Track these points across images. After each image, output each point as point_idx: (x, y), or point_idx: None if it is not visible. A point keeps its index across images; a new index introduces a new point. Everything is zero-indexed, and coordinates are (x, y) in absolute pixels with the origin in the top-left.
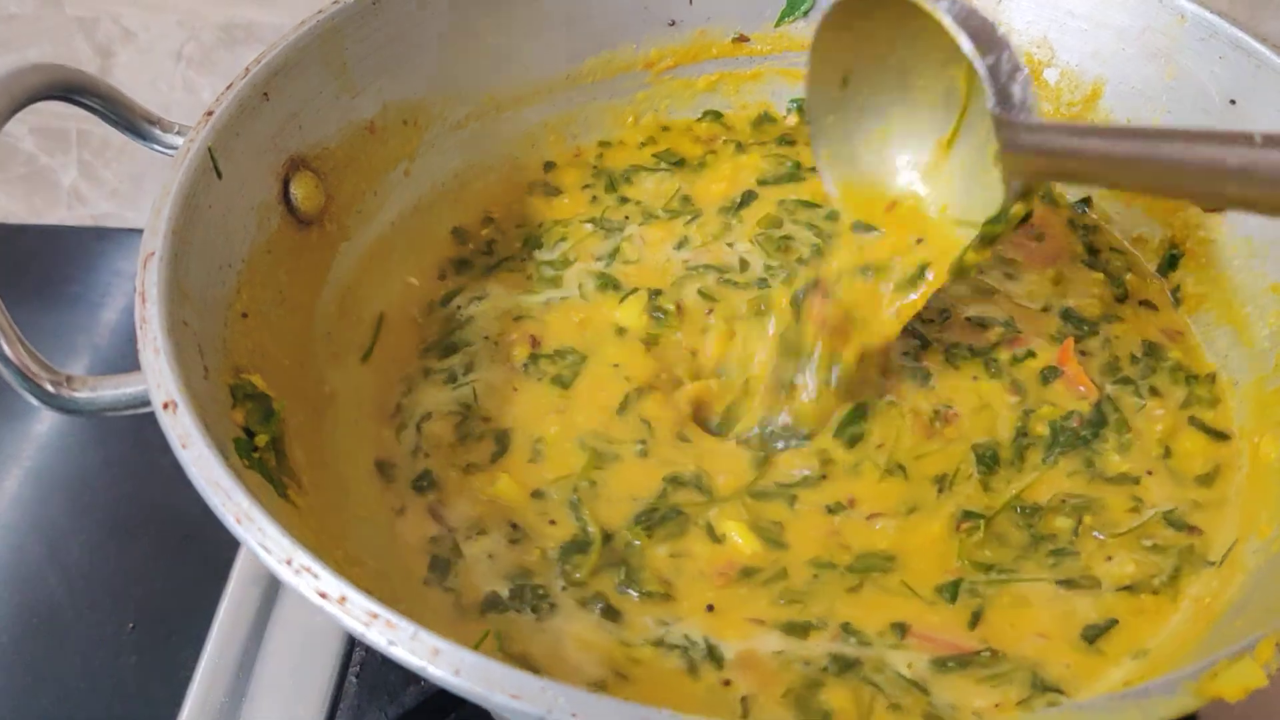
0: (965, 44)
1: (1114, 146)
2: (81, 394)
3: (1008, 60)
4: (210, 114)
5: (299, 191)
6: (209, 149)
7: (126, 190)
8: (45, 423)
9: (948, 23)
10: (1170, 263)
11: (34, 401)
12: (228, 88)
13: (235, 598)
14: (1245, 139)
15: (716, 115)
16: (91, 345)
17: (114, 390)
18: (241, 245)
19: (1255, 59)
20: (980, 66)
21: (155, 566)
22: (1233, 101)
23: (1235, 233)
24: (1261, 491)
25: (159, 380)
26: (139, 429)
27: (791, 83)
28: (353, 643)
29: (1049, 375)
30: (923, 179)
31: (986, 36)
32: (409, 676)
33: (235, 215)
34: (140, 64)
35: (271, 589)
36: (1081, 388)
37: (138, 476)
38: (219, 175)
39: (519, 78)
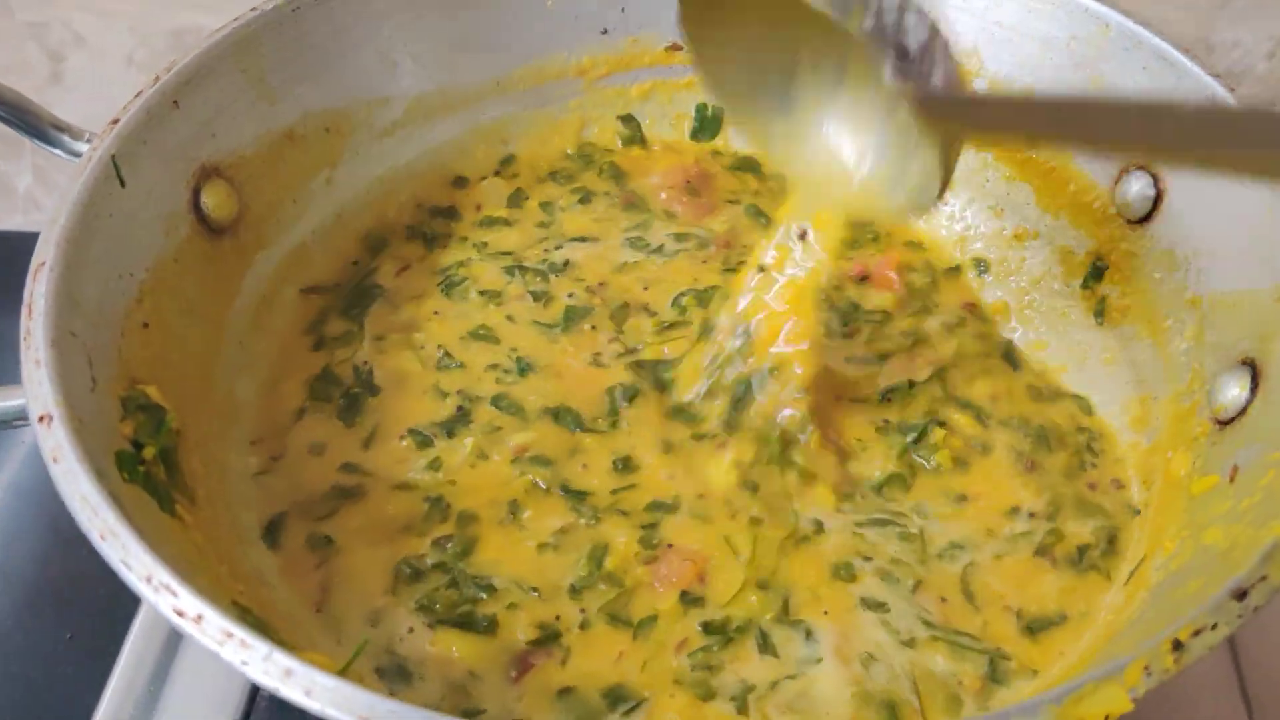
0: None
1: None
2: None
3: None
4: (116, 122)
5: (210, 200)
6: (112, 157)
7: None
8: None
9: None
10: (1095, 275)
11: None
12: (136, 95)
13: (150, 614)
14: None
15: (631, 120)
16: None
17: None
18: (145, 254)
19: (1177, 69)
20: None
21: (97, 576)
22: None
23: (1157, 245)
24: (1170, 508)
25: (37, 393)
26: None
27: None
28: None
29: None
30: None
31: None
32: None
33: (139, 224)
34: (91, 69)
35: None
36: None
37: None
38: (122, 184)
39: (446, 85)
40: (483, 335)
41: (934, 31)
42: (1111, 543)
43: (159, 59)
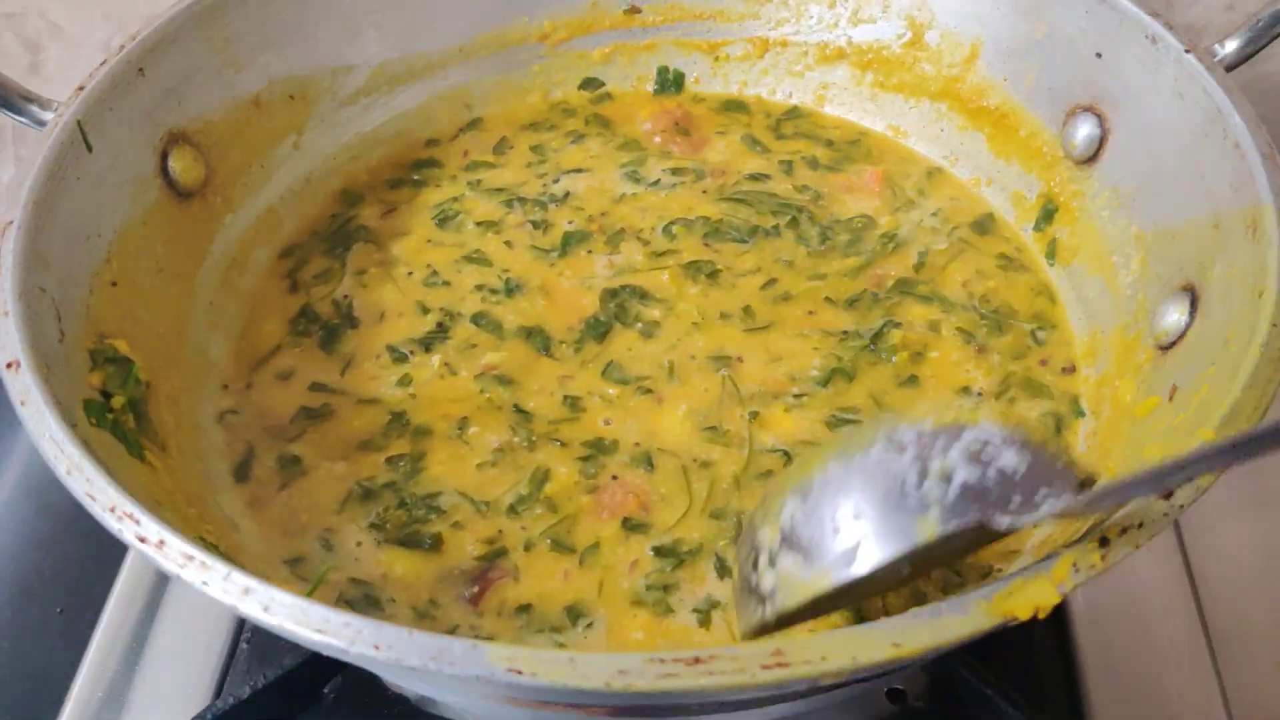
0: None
1: None
2: None
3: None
4: (81, 89)
5: (178, 165)
6: (78, 122)
7: None
8: None
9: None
10: (1046, 217)
11: None
12: (101, 63)
13: (132, 571)
14: None
15: (598, 84)
16: None
17: None
18: (113, 216)
19: (1118, 12)
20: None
21: (85, 552)
22: (1099, 55)
23: (1104, 184)
24: (1115, 433)
25: (4, 342)
26: None
27: (685, 52)
28: None
29: None
30: None
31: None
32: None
33: (107, 187)
34: (70, 58)
35: None
36: None
37: None
38: (89, 148)
39: (410, 52)
40: (476, 259)
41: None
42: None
43: None
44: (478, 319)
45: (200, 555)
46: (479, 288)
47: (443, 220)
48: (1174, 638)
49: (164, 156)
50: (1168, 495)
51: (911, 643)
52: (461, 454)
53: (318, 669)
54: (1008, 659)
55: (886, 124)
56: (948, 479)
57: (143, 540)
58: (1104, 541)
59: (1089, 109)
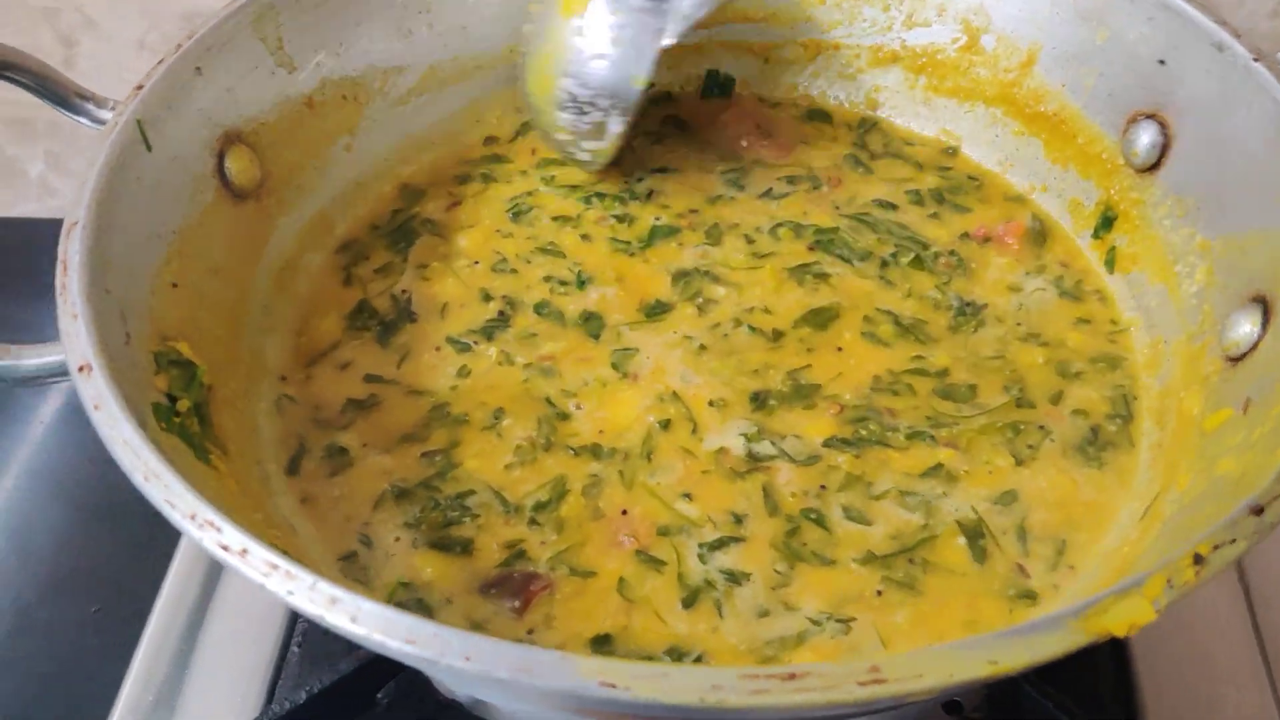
0: None
1: None
2: (4, 361)
3: None
4: (140, 87)
5: (234, 165)
6: (138, 121)
7: None
8: (21, 416)
9: None
10: (1105, 225)
11: None
12: (159, 62)
13: (180, 574)
14: None
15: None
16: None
17: (37, 359)
18: (172, 217)
19: (1183, 18)
20: None
21: (120, 551)
22: (1162, 62)
23: (1166, 192)
24: (1183, 444)
25: (74, 345)
26: None
27: (735, 55)
28: (295, 616)
29: None
30: None
31: None
32: (349, 646)
33: (166, 187)
34: (104, 53)
35: (215, 565)
36: None
37: (104, 462)
38: (149, 148)
39: (462, 53)
40: (550, 250)
41: None
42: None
43: (170, 42)
44: (540, 308)
45: (284, 564)
46: (547, 279)
47: (516, 214)
48: (1230, 655)
49: (220, 157)
50: (1259, 511)
51: (1009, 660)
52: (493, 447)
53: (372, 674)
54: (1066, 673)
55: (940, 128)
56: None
57: (225, 549)
58: (1198, 559)
59: (1151, 116)
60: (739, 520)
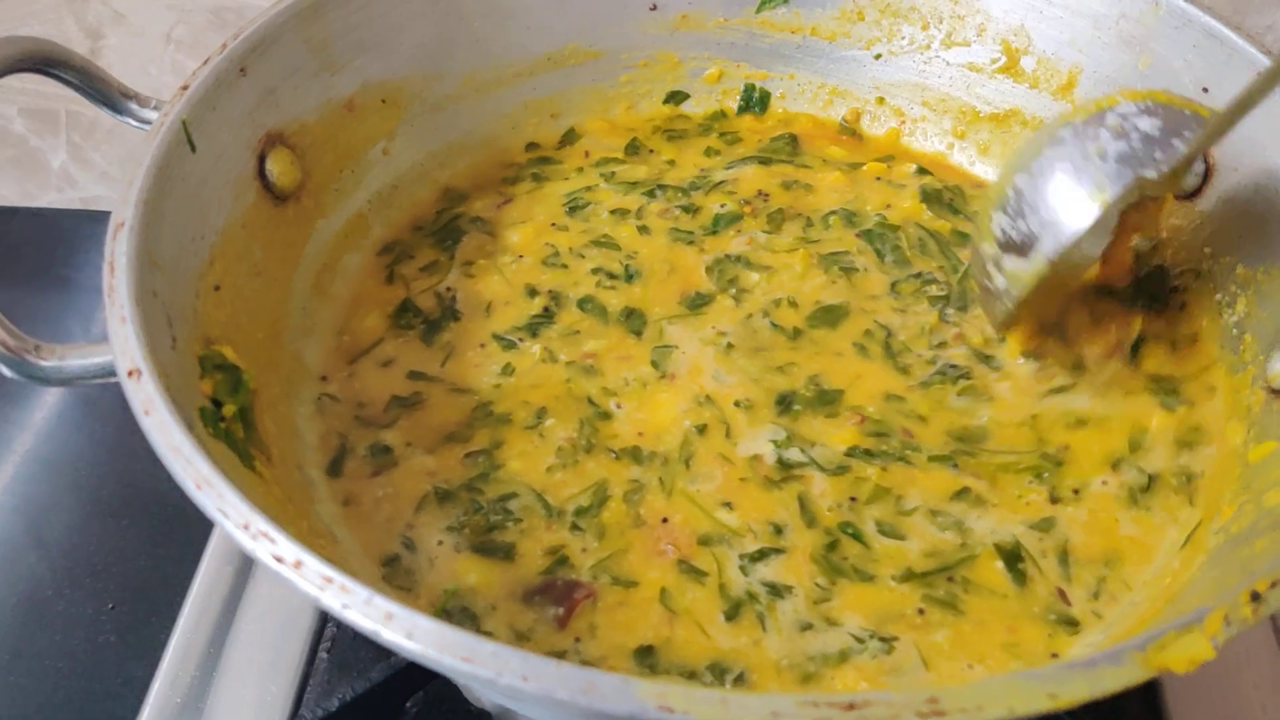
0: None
1: None
2: (49, 362)
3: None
4: (186, 88)
5: (275, 167)
6: (183, 122)
7: (116, 173)
8: (30, 407)
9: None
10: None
11: (4, 370)
12: (204, 62)
13: (208, 576)
14: None
15: (682, 97)
16: (84, 329)
17: (81, 360)
18: (216, 218)
19: (1228, 47)
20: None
21: (136, 547)
22: (1205, 89)
23: (1208, 220)
24: (1226, 474)
25: (124, 348)
26: (123, 411)
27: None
28: (324, 621)
29: None
30: None
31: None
32: (378, 653)
33: (210, 188)
34: (130, 47)
35: (244, 568)
36: None
37: (121, 459)
38: (193, 149)
39: (499, 59)
40: (604, 243)
41: None
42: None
43: (198, 36)
44: (584, 303)
45: (339, 577)
46: (595, 271)
47: (574, 209)
48: (1258, 680)
49: (262, 158)
50: None
51: (1068, 694)
52: (535, 448)
53: (402, 683)
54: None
55: (977, 148)
56: (1105, 156)
57: (279, 560)
58: (1255, 596)
59: None
60: (779, 531)
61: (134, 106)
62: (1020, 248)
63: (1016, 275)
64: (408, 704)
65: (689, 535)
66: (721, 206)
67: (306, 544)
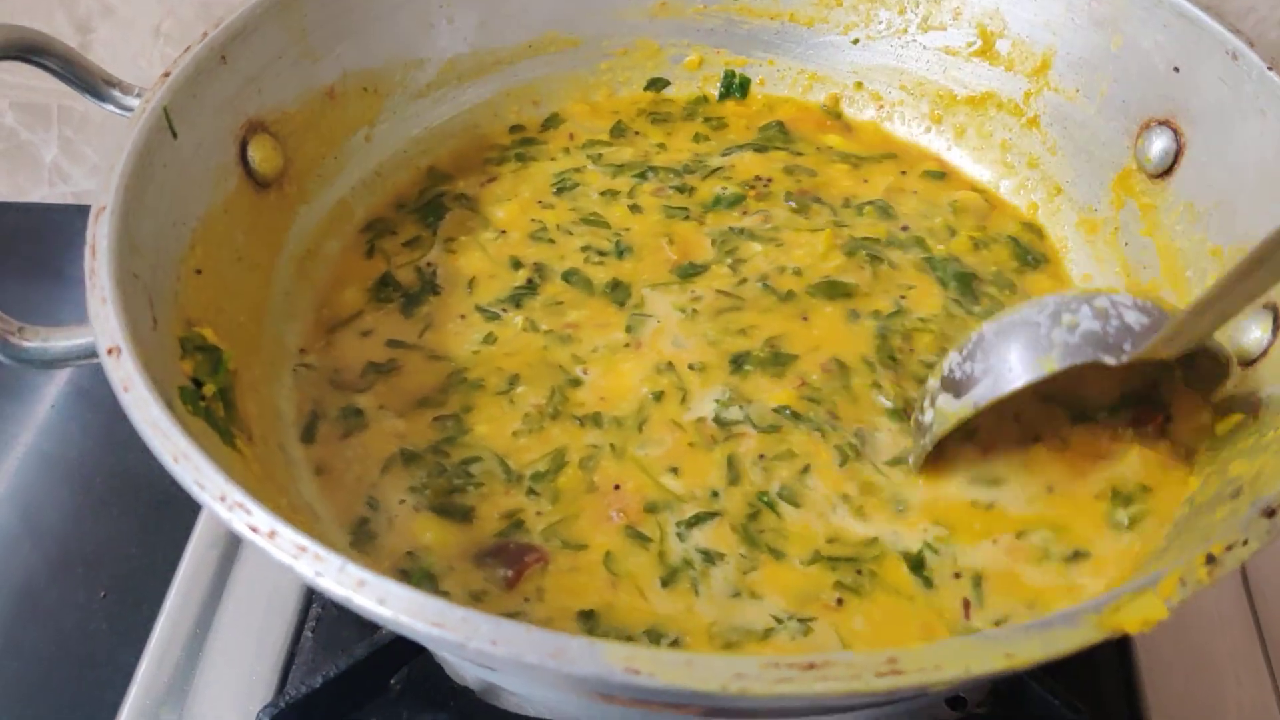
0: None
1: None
2: (33, 344)
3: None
4: (167, 75)
5: (257, 154)
6: (164, 109)
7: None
8: (24, 398)
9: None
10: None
11: None
12: (186, 50)
13: (194, 559)
14: None
15: (663, 83)
16: (76, 322)
17: (65, 341)
18: (197, 204)
19: (1198, 27)
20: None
21: (128, 536)
22: (1176, 69)
23: (1179, 197)
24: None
25: (104, 327)
26: (115, 401)
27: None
28: (309, 601)
29: None
30: None
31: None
32: (362, 631)
33: (191, 175)
34: (120, 39)
35: (230, 551)
36: None
37: (114, 449)
38: (174, 135)
39: (479, 47)
40: (593, 220)
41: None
42: None
43: (187, 29)
44: (569, 275)
45: (313, 546)
46: (585, 248)
47: (561, 189)
48: (1232, 650)
49: (243, 145)
50: (1271, 514)
51: (1024, 654)
52: (504, 413)
53: (387, 660)
54: (1070, 669)
55: (954, 131)
56: (1074, 329)
57: (254, 530)
58: (1210, 559)
59: (1164, 123)
60: (714, 495)
61: (117, 94)
62: (958, 388)
63: (943, 413)
64: (392, 680)
65: (638, 501)
66: (722, 189)
67: (285, 519)
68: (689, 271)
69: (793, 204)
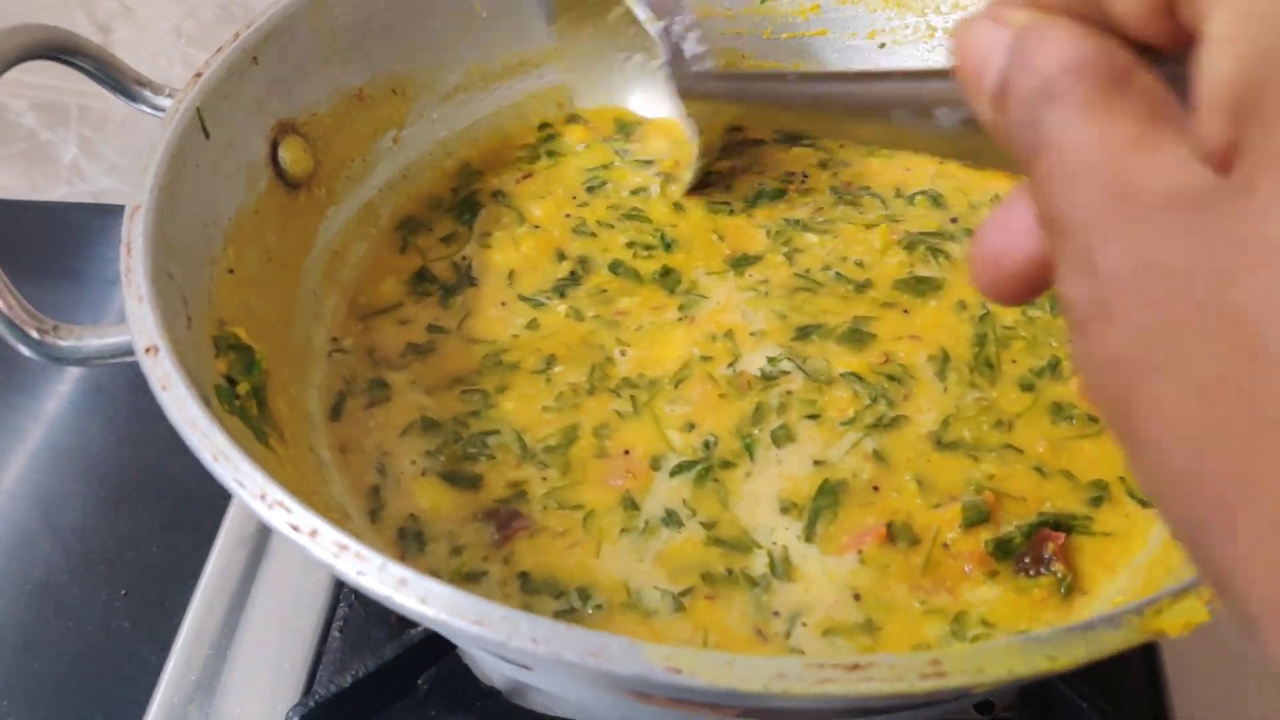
0: (640, 12)
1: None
2: (66, 342)
3: (680, 22)
4: (199, 75)
5: (287, 155)
6: (197, 109)
7: (126, 166)
8: (42, 395)
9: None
10: None
11: (22, 349)
12: (218, 51)
13: (222, 557)
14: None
15: None
16: (94, 320)
17: (98, 340)
18: (228, 205)
19: None
20: (654, 30)
21: (150, 533)
22: None
23: None
24: None
25: (141, 326)
26: (136, 397)
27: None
28: (337, 600)
29: None
30: None
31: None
32: (391, 631)
33: (223, 175)
34: (140, 40)
35: (258, 549)
36: None
37: (133, 445)
38: (207, 135)
39: (508, 49)
40: (634, 215)
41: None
42: None
43: (207, 31)
44: (615, 267)
45: (354, 544)
46: (630, 244)
47: (591, 188)
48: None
49: (274, 146)
50: None
51: (1067, 656)
52: (538, 391)
53: (415, 660)
54: (1096, 672)
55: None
56: None
57: (295, 529)
58: None
59: None
60: (707, 445)
61: (148, 94)
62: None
63: None
64: (420, 680)
65: (645, 465)
66: (761, 185)
67: (321, 516)
68: (744, 261)
69: (840, 194)
